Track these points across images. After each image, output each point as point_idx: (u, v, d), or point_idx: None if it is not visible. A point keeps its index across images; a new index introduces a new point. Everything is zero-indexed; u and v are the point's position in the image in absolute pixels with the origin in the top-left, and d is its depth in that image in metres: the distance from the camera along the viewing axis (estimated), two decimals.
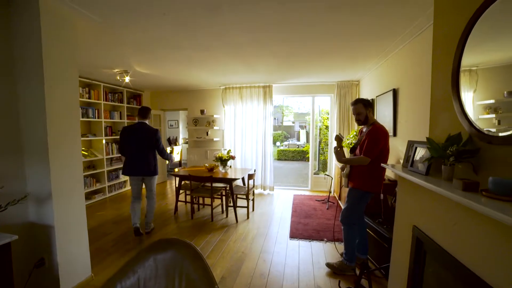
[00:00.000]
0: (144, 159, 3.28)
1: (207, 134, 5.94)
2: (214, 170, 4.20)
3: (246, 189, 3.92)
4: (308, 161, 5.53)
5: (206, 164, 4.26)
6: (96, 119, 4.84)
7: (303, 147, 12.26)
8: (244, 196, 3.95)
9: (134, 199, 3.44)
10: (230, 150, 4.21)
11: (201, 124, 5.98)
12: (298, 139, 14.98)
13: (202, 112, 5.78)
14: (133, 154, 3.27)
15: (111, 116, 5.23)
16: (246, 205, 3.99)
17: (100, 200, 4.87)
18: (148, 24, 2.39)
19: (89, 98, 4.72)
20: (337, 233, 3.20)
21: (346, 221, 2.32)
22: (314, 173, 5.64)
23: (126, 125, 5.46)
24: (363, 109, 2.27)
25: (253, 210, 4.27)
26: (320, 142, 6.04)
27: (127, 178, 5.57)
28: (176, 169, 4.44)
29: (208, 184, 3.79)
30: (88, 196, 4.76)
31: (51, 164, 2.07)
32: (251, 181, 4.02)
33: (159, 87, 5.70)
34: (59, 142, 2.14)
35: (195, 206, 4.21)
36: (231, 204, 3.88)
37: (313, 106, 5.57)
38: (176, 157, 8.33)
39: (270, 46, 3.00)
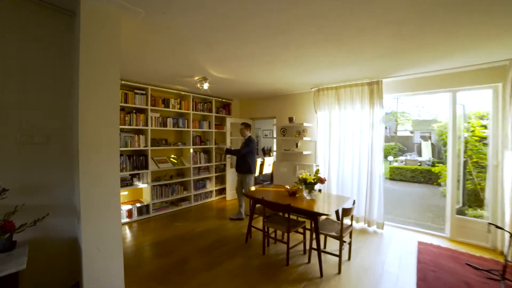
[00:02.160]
0: None
1: (297, 146, 4.94)
2: (297, 195, 3.13)
3: (340, 228, 2.62)
4: (438, 185, 3.51)
5: (288, 186, 3.26)
6: (186, 129, 4.82)
7: (429, 165, 9.01)
8: (335, 235, 2.65)
9: None
10: (318, 169, 3.04)
11: (290, 134, 5.05)
12: (419, 154, 11.40)
13: (290, 120, 4.85)
14: (256, 159, 4.34)
15: (200, 126, 5.14)
16: (337, 249, 2.68)
17: (186, 208, 4.77)
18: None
19: (180, 108, 4.74)
20: None
21: None
22: (458, 211, 3.51)
23: (214, 134, 5.29)
24: None
25: (349, 258, 2.88)
26: (465, 162, 3.80)
27: (213, 188, 5.35)
28: (252, 188, 3.67)
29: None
30: (176, 202, 4.74)
31: (81, 176, 1.71)
32: (347, 219, 2.69)
33: (244, 94, 5.22)
34: (92, 152, 1.76)
35: (271, 237, 3.26)
36: (316, 247, 2.68)
37: (454, 107, 3.51)
38: (268, 169, 7.76)
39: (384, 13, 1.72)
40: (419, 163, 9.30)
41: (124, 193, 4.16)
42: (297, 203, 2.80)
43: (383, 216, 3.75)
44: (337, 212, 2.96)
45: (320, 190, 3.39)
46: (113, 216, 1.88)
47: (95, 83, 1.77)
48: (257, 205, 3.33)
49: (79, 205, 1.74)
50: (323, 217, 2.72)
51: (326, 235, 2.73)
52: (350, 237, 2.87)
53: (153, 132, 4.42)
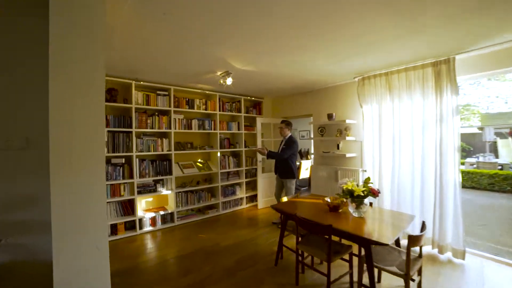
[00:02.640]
0: None
1: (338, 148, 4.15)
2: (340, 210, 2.41)
3: (404, 261, 1.84)
4: None
5: (328, 199, 2.55)
6: (213, 131, 4.43)
7: None
8: (398, 272, 1.87)
9: None
10: (369, 178, 2.26)
11: (329, 133, 4.28)
12: (496, 155, 9.19)
13: (329, 117, 4.09)
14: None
15: (229, 127, 4.70)
16: (398, 285, 1.90)
17: (213, 216, 4.34)
18: None
19: (206, 109, 4.37)
20: None
21: None
22: None
23: (243, 136, 4.81)
24: None
25: None
26: None
27: (243, 195, 4.85)
28: (284, 198, 3.04)
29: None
30: (203, 210, 4.36)
31: (52, 188, 1.33)
32: (415, 248, 1.88)
33: (275, 90, 4.60)
34: (66, 159, 1.37)
35: (305, 262, 2.59)
36: (369, 284, 1.93)
37: None
38: (305, 173, 7.00)
39: None
40: (499, 167, 7.37)
41: (149, 199, 3.92)
42: (341, 223, 2.09)
43: (463, 240, 2.75)
44: (397, 241, 2.15)
45: (371, 204, 2.60)
46: (98, 238, 1.47)
47: (70, 76, 1.39)
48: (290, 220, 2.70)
49: (48, 222, 1.37)
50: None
51: (382, 270, 1.96)
52: (420, 274, 2.03)
53: (177, 135, 4.12)
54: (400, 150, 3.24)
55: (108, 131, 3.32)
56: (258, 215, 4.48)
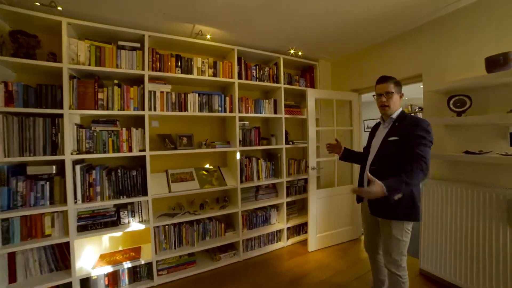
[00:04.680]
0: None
1: None
2: None
3: None
4: None
5: None
6: (228, 114, 2.40)
7: None
8: None
9: None
10: None
11: (482, 103, 1.76)
12: None
13: (495, 63, 1.58)
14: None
15: (257, 108, 2.60)
16: None
17: (228, 266, 2.34)
18: None
19: (215, 75, 2.35)
20: None
21: None
22: None
23: (283, 122, 2.69)
24: None
25: None
26: None
27: (282, 225, 2.71)
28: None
29: None
30: (213, 254, 2.39)
31: None
32: None
33: (340, 36, 2.23)
34: None
35: None
36: None
37: None
38: None
39: None
40: None
41: (116, 233, 2.15)
42: None
43: None
44: None
45: None
46: None
47: None
48: None
49: None
50: None
51: None
52: None
53: (163, 123, 2.25)
54: None
55: (10, 113, 1.64)
56: (309, 268, 2.30)
